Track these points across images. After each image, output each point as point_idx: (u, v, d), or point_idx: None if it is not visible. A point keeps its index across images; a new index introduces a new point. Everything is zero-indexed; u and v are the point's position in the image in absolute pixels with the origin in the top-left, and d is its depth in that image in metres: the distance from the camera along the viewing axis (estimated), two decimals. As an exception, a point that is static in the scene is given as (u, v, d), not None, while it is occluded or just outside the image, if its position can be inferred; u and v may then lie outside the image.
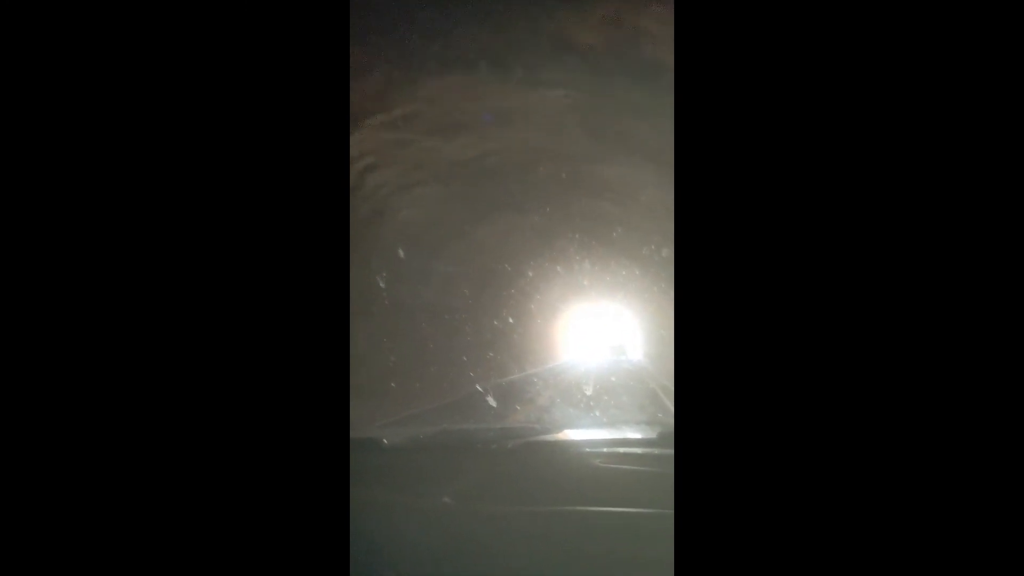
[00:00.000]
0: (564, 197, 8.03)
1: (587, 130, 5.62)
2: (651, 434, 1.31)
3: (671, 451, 1.14)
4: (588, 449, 1.19)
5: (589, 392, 8.74)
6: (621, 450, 1.16)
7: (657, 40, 3.80)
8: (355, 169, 5.23)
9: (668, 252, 8.75)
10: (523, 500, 0.93)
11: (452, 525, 0.80)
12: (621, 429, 1.60)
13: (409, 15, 3.59)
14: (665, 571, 0.69)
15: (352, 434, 0.69)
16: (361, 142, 4.90)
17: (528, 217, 8.82)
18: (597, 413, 6.54)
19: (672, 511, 0.84)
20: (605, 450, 1.16)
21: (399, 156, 5.56)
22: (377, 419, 4.01)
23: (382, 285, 6.04)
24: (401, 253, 6.34)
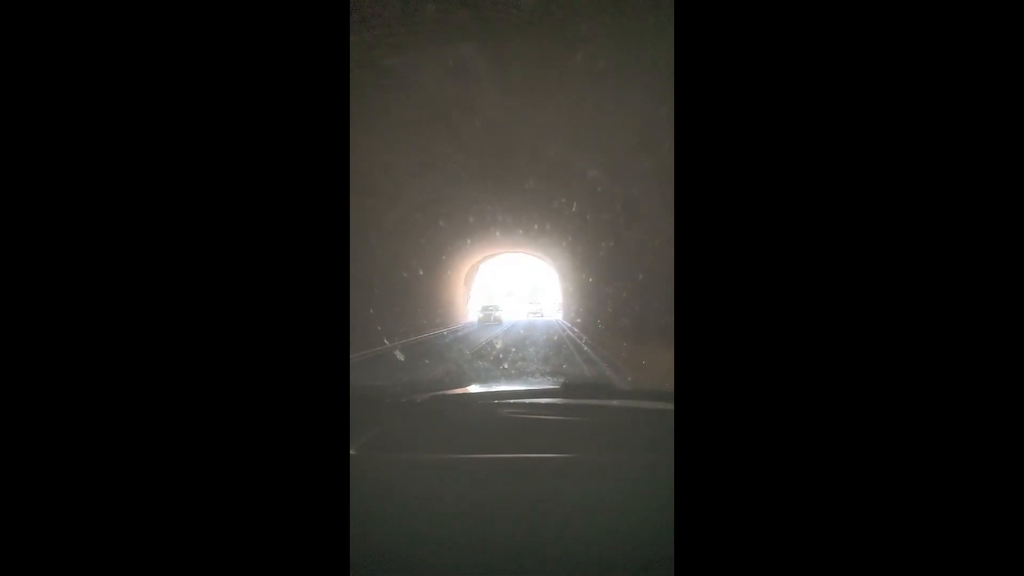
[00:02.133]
0: (478, 146, 7.89)
1: (500, 83, 5.49)
2: (555, 385, 1.32)
3: (573, 401, 1.19)
4: (496, 401, 1.19)
5: (499, 346, 8.92)
6: (527, 401, 1.18)
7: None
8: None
9: (577, 207, 8.97)
10: (429, 449, 0.92)
11: (356, 473, 0.79)
12: (527, 381, 1.63)
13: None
14: (571, 511, 0.72)
15: None
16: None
17: (441, 165, 8.59)
18: (506, 366, 6.70)
19: (575, 455, 0.87)
20: (511, 401, 1.17)
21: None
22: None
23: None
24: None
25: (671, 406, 1.20)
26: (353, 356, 6.69)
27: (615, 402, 1.21)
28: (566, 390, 1.26)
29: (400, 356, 7.26)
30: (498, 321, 19.39)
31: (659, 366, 5.33)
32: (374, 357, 7.27)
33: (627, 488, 0.77)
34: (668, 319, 5.09)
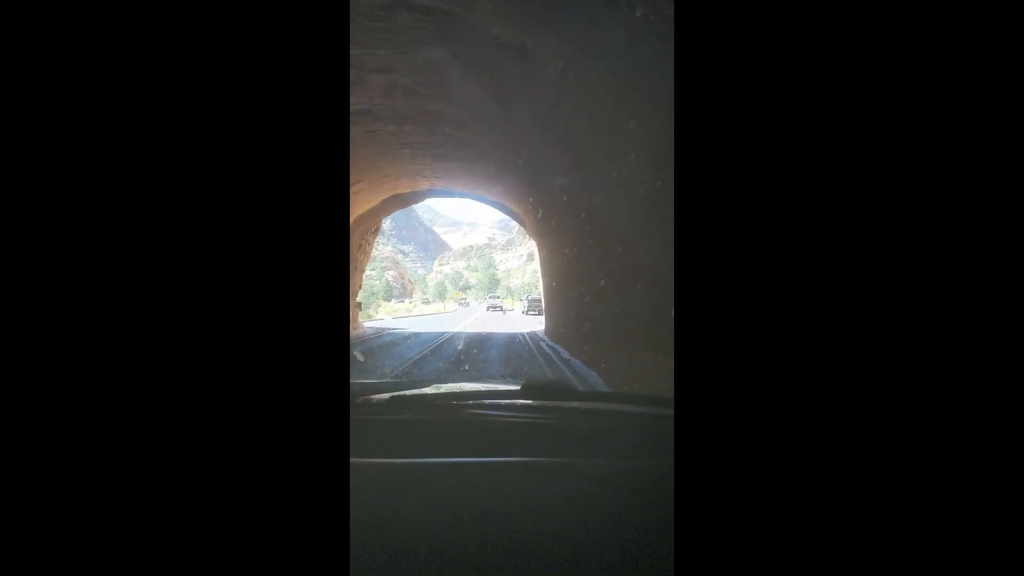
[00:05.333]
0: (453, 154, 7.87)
1: (472, 84, 5.51)
2: (516, 386, 1.31)
3: (536, 402, 1.19)
4: (454, 402, 1.18)
5: (460, 347, 8.84)
6: (488, 401, 1.17)
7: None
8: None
9: (542, 213, 9.02)
10: (396, 453, 0.89)
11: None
12: (487, 382, 1.63)
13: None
14: (537, 515, 0.70)
15: None
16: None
17: (416, 162, 8.51)
18: (467, 367, 6.65)
19: (555, 458, 0.86)
20: (473, 402, 1.16)
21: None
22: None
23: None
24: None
25: (636, 408, 1.22)
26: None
27: (576, 404, 1.21)
28: (526, 391, 1.26)
29: (359, 357, 7.11)
30: (486, 311, 11.68)
31: (617, 367, 5.43)
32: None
33: (615, 493, 0.76)
34: (627, 323, 5.21)
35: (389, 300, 49.50)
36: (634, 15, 3.02)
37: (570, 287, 8.58)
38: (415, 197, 12.46)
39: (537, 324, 15.81)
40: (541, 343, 9.78)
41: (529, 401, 1.21)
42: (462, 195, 12.23)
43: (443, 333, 13.33)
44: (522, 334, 12.72)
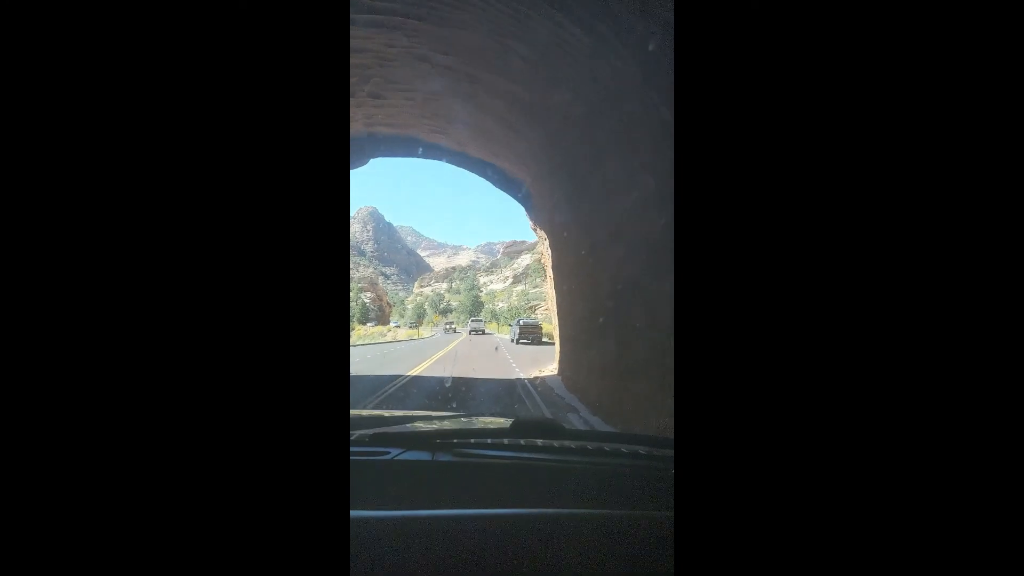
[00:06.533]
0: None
1: (472, 108, 5.53)
2: (504, 424, 1.25)
3: (522, 440, 1.13)
4: (439, 440, 1.10)
5: (448, 385, 8.58)
6: (473, 440, 1.11)
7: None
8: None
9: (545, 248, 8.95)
10: (372, 497, 0.82)
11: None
12: (473, 421, 1.56)
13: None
14: (530, 570, 0.64)
15: None
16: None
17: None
18: (454, 405, 6.41)
19: (529, 510, 0.78)
20: (457, 440, 1.09)
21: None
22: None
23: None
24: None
25: (631, 448, 1.17)
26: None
27: (569, 443, 1.14)
28: (516, 429, 1.19)
29: None
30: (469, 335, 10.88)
31: (619, 407, 5.29)
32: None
33: (614, 547, 0.70)
34: (625, 364, 5.09)
35: (365, 323, 48.83)
36: (646, 50, 3.00)
37: (567, 325, 8.39)
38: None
39: (530, 358, 11.40)
40: (569, 415, 5.68)
41: (519, 440, 1.14)
42: (438, 154, 6.63)
43: (396, 379, 8.62)
44: (523, 382, 8.15)
